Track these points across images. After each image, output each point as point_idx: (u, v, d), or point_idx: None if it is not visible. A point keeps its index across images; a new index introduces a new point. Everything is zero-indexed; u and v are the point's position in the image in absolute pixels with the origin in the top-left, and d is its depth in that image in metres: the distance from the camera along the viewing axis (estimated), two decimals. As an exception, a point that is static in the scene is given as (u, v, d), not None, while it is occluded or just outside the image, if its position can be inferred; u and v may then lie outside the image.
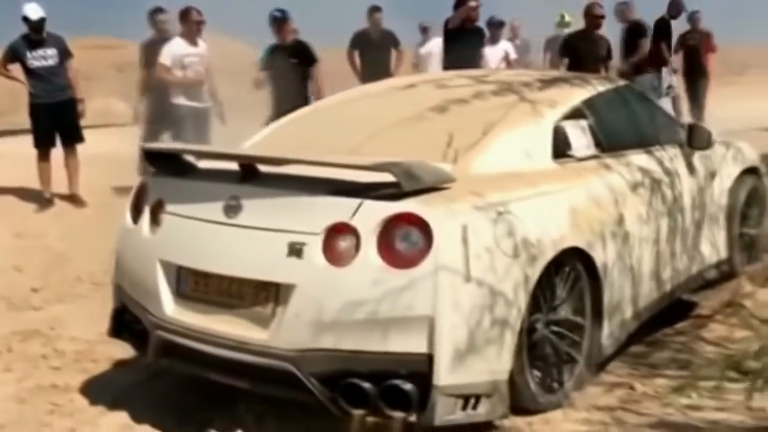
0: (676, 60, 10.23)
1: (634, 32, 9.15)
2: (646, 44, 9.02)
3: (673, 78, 9.73)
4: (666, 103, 9.20)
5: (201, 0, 7.76)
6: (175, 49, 7.53)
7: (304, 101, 7.54)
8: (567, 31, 9.67)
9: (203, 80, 7.62)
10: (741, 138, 5.42)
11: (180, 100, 7.45)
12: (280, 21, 7.74)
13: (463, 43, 7.96)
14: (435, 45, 9.46)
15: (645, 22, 9.32)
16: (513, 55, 9.33)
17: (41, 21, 7.34)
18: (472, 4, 8.02)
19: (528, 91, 3.97)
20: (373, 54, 8.80)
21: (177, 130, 7.42)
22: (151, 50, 7.91)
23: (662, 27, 9.92)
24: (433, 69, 9.05)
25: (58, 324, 4.80)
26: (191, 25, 7.62)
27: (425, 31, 10.05)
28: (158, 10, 8.04)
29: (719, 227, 4.70)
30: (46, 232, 6.76)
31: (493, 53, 8.96)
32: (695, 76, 10.39)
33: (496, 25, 9.32)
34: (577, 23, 8.78)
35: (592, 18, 8.15)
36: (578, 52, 7.96)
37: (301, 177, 3.17)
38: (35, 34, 7.37)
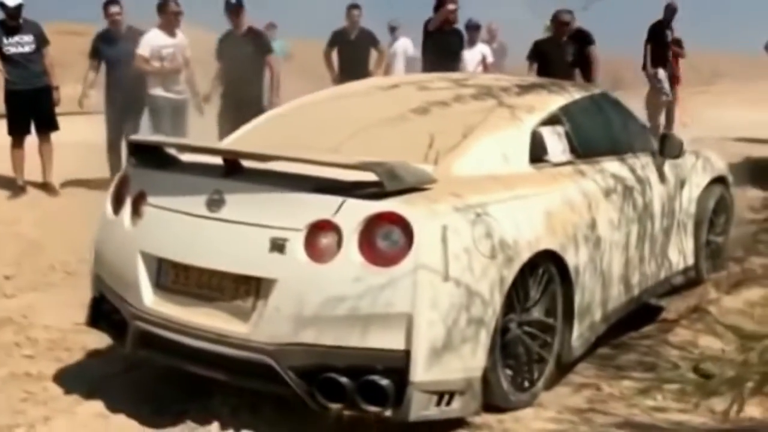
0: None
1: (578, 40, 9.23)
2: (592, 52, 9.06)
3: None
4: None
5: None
6: (153, 40, 7.47)
7: (258, 92, 7.51)
8: None
9: (181, 71, 7.57)
10: (711, 147, 5.55)
11: (157, 91, 7.38)
12: (235, 8, 7.60)
13: (442, 45, 8.03)
14: (400, 45, 9.47)
15: (586, 30, 9.34)
16: (490, 59, 9.40)
17: (18, 7, 7.27)
18: (451, 6, 8.10)
19: (507, 96, 4.05)
20: (352, 53, 8.70)
21: (154, 121, 7.37)
22: (102, 42, 7.74)
23: (657, 30, 10.12)
24: (398, 70, 9.05)
25: (31, 312, 4.78)
26: (169, 16, 7.53)
27: (393, 31, 10.04)
28: (111, 2, 7.74)
29: (687, 234, 4.82)
30: (19, 220, 6.71)
31: (471, 56, 9.02)
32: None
33: (473, 28, 9.37)
34: None
35: (559, 24, 8.31)
36: (547, 58, 8.11)
37: (285, 173, 3.21)
38: (12, 21, 7.29)
